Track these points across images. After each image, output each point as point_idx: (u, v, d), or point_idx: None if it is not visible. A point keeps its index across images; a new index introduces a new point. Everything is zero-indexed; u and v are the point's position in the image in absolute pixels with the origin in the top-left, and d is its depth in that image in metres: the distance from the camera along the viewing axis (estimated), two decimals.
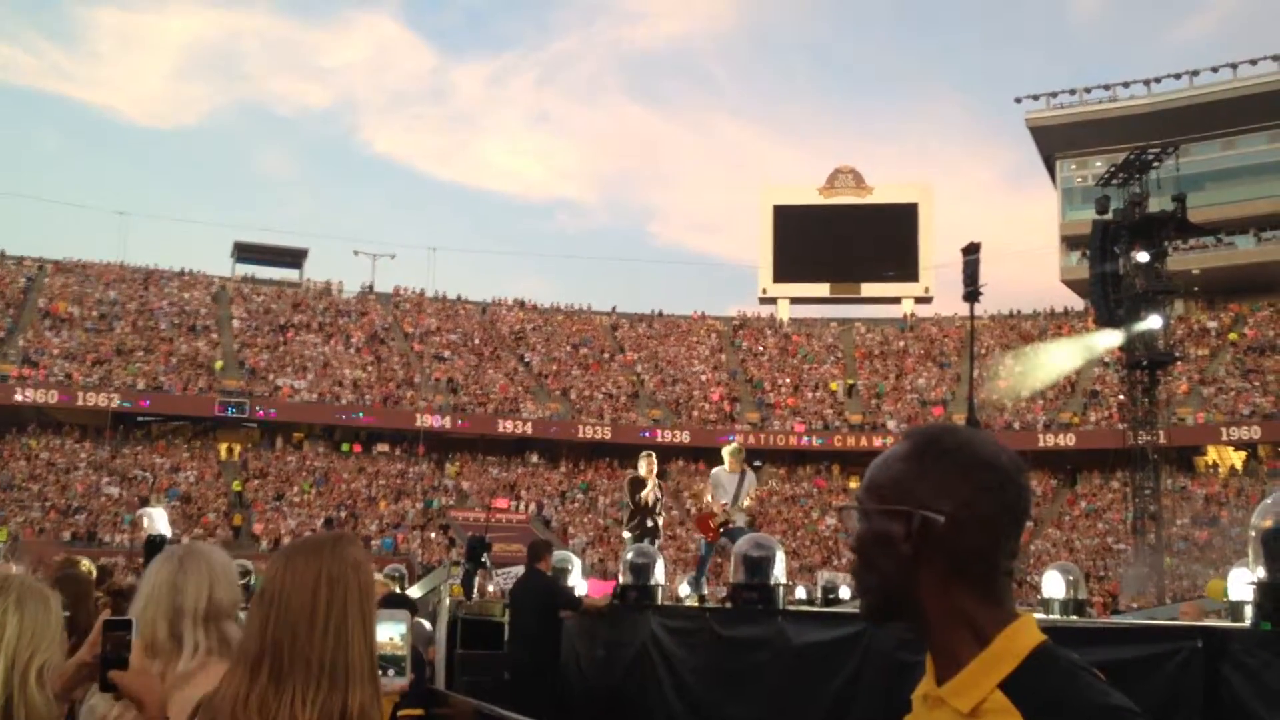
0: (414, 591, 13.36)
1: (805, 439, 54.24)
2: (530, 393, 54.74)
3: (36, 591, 2.26)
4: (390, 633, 2.22)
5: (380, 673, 2.20)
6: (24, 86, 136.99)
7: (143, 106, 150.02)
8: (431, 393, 52.60)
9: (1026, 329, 60.08)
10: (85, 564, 5.39)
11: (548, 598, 9.70)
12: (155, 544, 17.57)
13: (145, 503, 19.02)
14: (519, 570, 11.18)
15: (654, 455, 13.24)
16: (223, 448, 49.49)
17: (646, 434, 49.62)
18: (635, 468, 12.88)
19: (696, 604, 10.91)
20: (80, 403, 46.19)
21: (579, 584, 11.63)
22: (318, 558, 2.13)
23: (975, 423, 32.08)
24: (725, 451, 12.48)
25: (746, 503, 12.08)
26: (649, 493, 12.52)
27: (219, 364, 51.21)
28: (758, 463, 52.36)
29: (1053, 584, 9.20)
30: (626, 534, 12.89)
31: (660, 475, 13.02)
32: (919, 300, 65.82)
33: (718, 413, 55.42)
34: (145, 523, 17.73)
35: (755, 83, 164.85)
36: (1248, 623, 5.02)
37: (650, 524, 12.52)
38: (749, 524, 12.42)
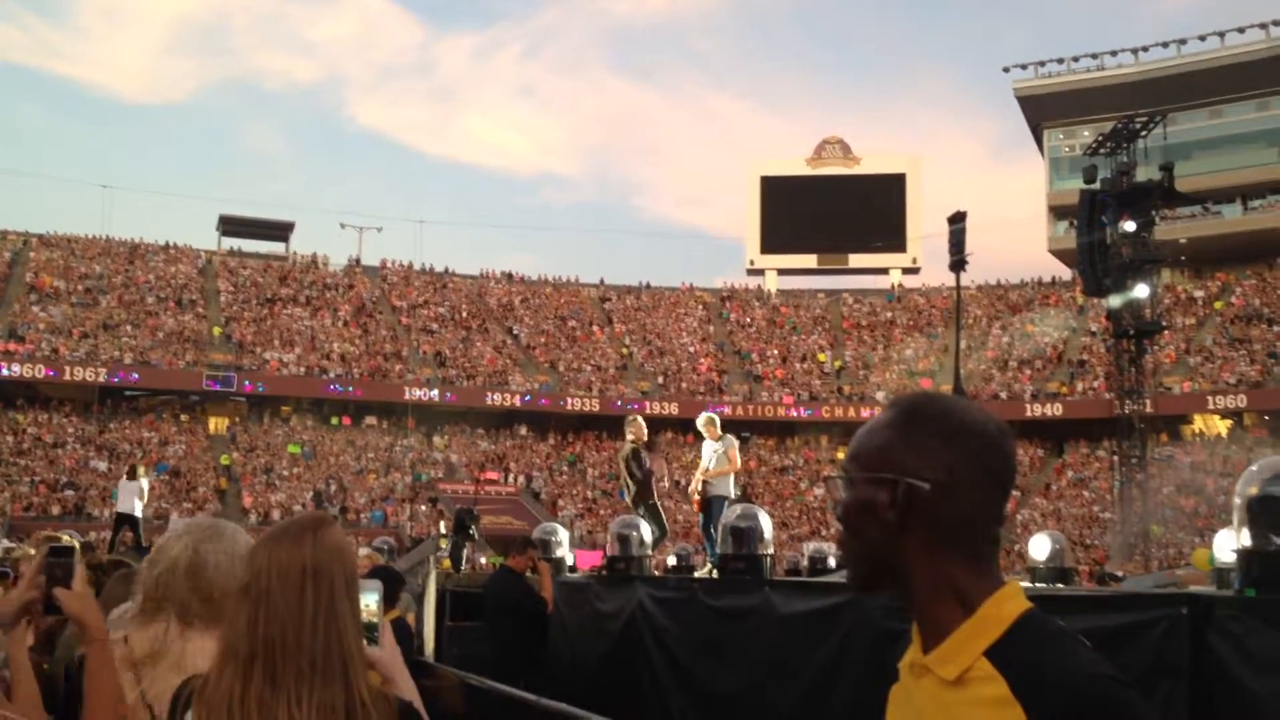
0: (402, 564, 13.36)
1: (793, 410, 54.35)
2: (519, 365, 54.70)
3: None
4: (364, 600, 2.19)
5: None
6: (11, 62, 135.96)
7: (130, 82, 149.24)
8: (420, 366, 52.54)
9: (1014, 299, 60.19)
10: (65, 538, 5.34)
11: (514, 601, 9.43)
12: (122, 522, 17.47)
13: (134, 474, 18.71)
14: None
15: (639, 419, 12.77)
16: (211, 421, 49.41)
17: (635, 406, 49.59)
18: (629, 437, 12.30)
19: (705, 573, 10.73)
20: (67, 377, 46.02)
21: (567, 556, 11.61)
22: (299, 548, 2.09)
23: (961, 393, 32.15)
24: (699, 425, 12.31)
25: (714, 466, 11.74)
26: (655, 463, 12.14)
27: (217, 329, 51.18)
28: (746, 434, 52.50)
29: (1039, 552, 9.25)
30: (638, 509, 11.95)
31: (649, 447, 12.58)
32: (906, 271, 65.87)
33: (706, 384, 55.44)
34: (121, 498, 17.52)
35: (741, 55, 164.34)
36: (1233, 589, 5.04)
37: (647, 489, 12.09)
38: (740, 495, 12.28)
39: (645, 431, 12.34)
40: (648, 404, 50.31)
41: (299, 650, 2.03)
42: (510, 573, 9.72)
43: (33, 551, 4.80)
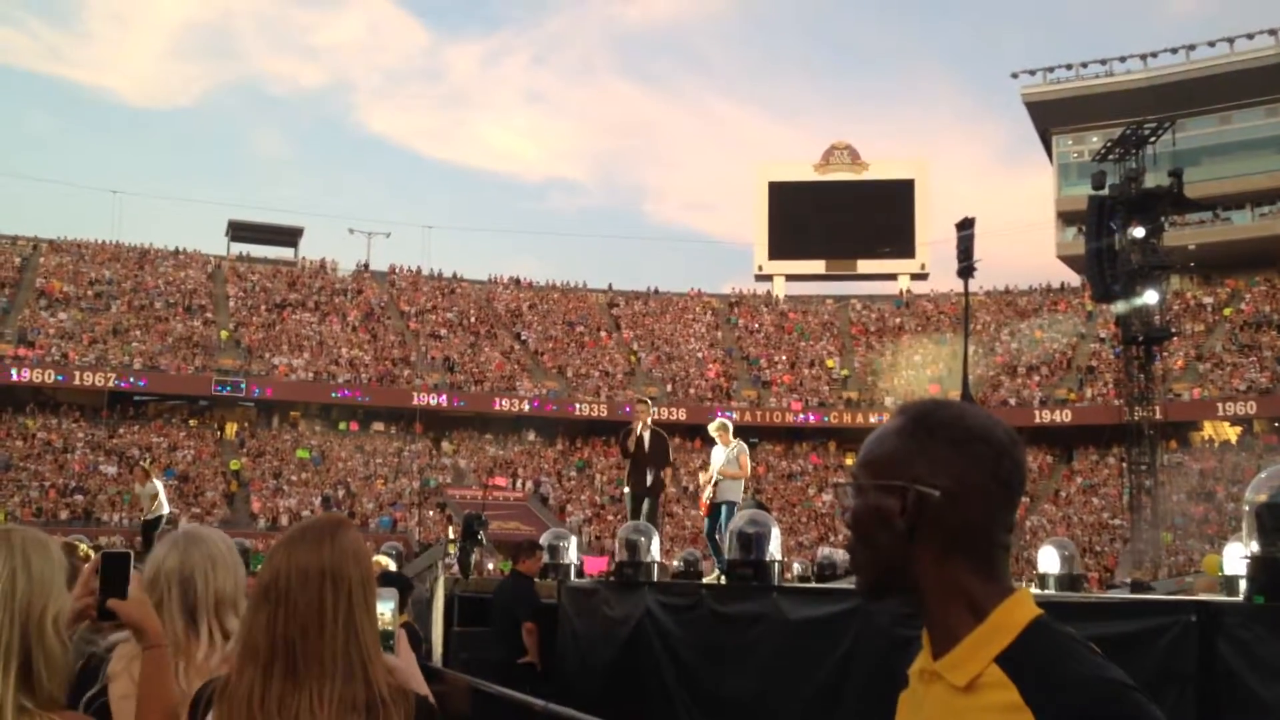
0: (410, 570, 13.34)
1: (801, 416, 54.28)
2: (527, 371, 54.73)
3: (38, 542, 2.29)
4: (379, 609, 2.23)
5: None
6: (19, 67, 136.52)
7: (137, 87, 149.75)
8: (428, 371, 52.58)
9: (1022, 305, 60.08)
10: (83, 548, 5.36)
11: (516, 605, 9.52)
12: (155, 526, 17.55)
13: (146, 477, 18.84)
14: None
15: (649, 402, 13.00)
16: (220, 426, 49.48)
17: None
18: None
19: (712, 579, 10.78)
20: (77, 382, 46.15)
21: (574, 561, 11.61)
22: (319, 551, 2.14)
23: (969, 399, 32.07)
24: (710, 431, 12.45)
25: (726, 471, 11.88)
26: (632, 440, 12.23)
27: (224, 333, 51.31)
28: (754, 439, 52.45)
29: (1048, 559, 9.22)
30: (626, 489, 12.60)
31: (650, 453, 12.65)
32: (915, 277, 65.74)
33: (714, 390, 55.42)
34: (161, 499, 17.62)
35: (749, 61, 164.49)
36: (1241, 596, 5.04)
37: (649, 480, 12.20)
38: (750, 500, 12.32)
39: (647, 415, 12.57)
40: (655, 410, 50.24)
41: (319, 649, 2.07)
42: (521, 577, 9.75)
43: None
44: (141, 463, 21.75)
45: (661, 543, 10.88)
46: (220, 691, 2.13)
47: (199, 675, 2.59)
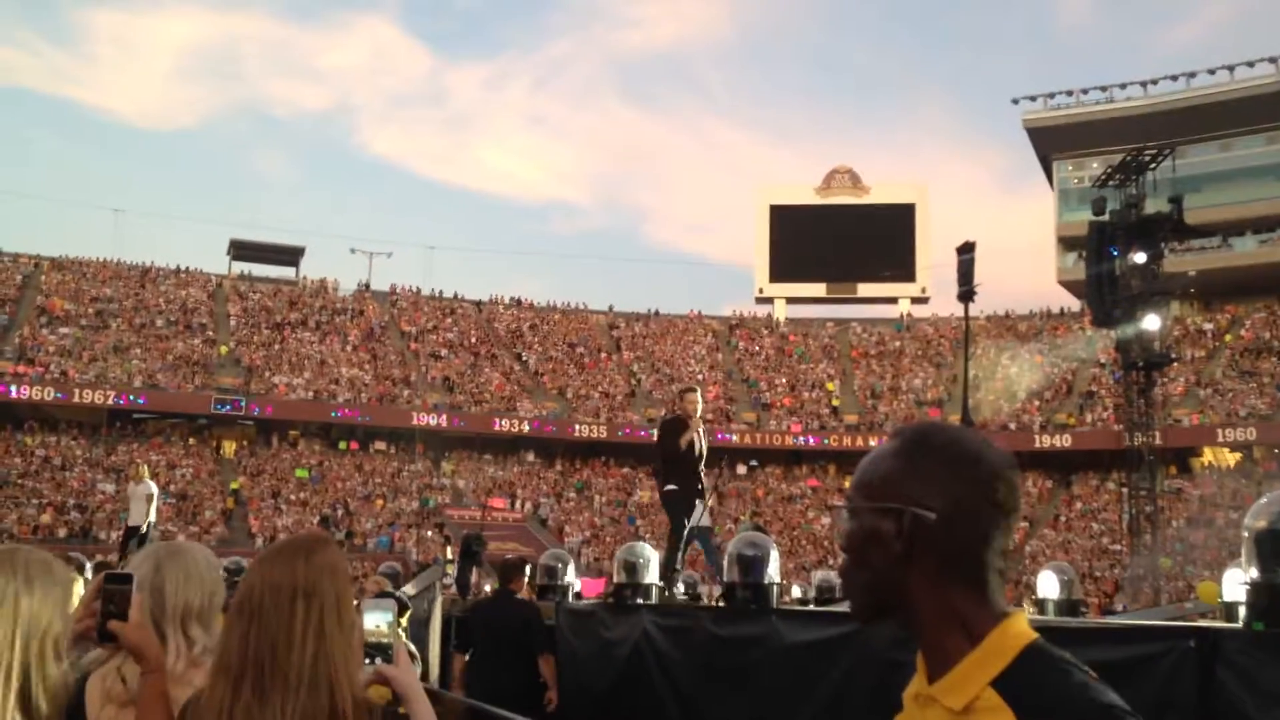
0: (408, 590, 13.28)
1: (801, 439, 54.20)
2: (527, 391, 54.69)
3: (41, 563, 2.28)
4: (377, 620, 2.23)
5: (367, 661, 2.23)
6: (22, 87, 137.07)
7: (141, 108, 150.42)
8: (428, 391, 52.56)
9: (1022, 330, 60.10)
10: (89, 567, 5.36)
11: (523, 632, 8.95)
12: (132, 534, 17.38)
13: (139, 476, 18.39)
14: None
15: (698, 390, 10.97)
16: (219, 445, 49.41)
17: (643, 433, 49.55)
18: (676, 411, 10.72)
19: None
20: (77, 400, 46.09)
21: (573, 583, 11.56)
22: (291, 567, 2.16)
23: (970, 423, 32.00)
24: None
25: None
26: (687, 437, 10.31)
27: (224, 349, 51.29)
28: (753, 462, 52.41)
29: (1047, 584, 9.19)
30: (669, 488, 10.42)
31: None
32: (915, 300, 65.83)
33: (714, 412, 55.34)
34: (147, 508, 17.26)
35: (750, 86, 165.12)
36: (1241, 623, 5.02)
37: (700, 485, 10.49)
38: (749, 523, 12.24)
39: (699, 407, 10.45)
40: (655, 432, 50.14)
41: (287, 666, 2.09)
42: (511, 597, 9.68)
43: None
44: (136, 461, 21.39)
45: (683, 560, 10.67)
46: (193, 704, 2.16)
47: (172, 682, 2.59)
